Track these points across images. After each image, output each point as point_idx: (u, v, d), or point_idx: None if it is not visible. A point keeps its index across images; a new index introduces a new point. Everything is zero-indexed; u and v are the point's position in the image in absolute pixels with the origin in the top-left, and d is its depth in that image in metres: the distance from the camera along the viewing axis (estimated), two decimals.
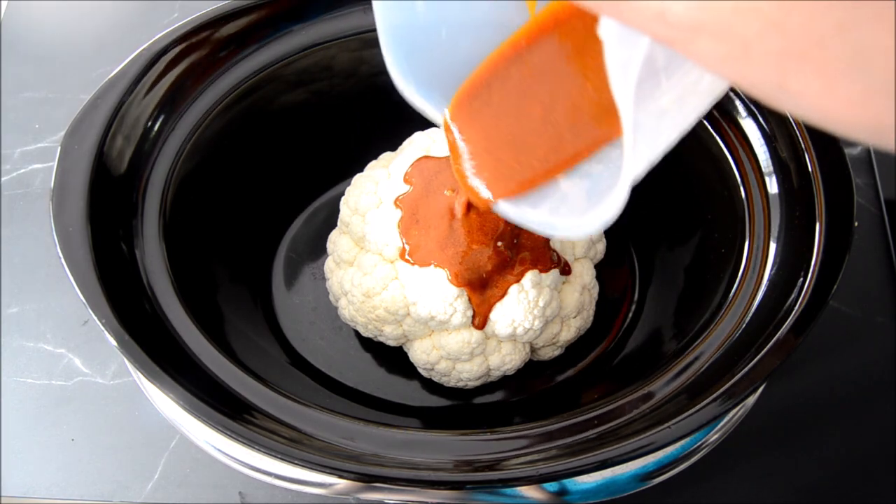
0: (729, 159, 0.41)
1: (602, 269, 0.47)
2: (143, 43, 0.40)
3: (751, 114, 0.40)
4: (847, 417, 0.46)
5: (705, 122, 0.42)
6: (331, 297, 0.46)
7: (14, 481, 0.45)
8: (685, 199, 0.46)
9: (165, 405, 0.38)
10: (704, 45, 0.17)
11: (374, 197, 0.42)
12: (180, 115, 0.42)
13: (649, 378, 0.36)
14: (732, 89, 0.40)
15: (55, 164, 0.37)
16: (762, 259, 0.38)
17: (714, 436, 0.38)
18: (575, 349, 0.46)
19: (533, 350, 0.44)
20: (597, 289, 0.46)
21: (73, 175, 0.36)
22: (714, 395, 0.32)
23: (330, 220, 0.49)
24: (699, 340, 0.37)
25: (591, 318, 0.46)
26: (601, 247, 0.46)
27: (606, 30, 0.20)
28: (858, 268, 0.51)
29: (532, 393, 0.45)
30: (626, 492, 0.37)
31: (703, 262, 0.44)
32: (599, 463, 0.31)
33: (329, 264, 0.46)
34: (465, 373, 0.42)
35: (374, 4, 0.27)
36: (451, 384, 0.44)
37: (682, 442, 0.34)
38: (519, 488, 0.35)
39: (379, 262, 0.41)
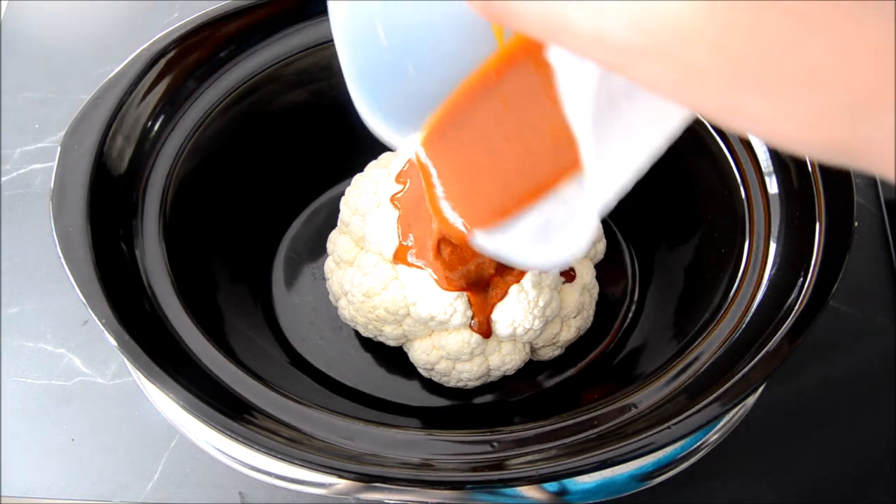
0: (729, 159, 0.41)
1: (602, 269, 0.47)
2: (143, 43, 0.40)
3: None
4: (847, 417, 0.46)
5: (705, 122, 0.42)
6: (331, 297, 0.46)
7: (14, 481, 0.45)
8: (685, 199, 0.46)
9: (165, 405, 0.38)
10: (649, 70, 0.17)
11: (373, 197, 0.42)
12: (180, 115, 0.42)
13: (649, 378, 0.36)
14: None
15: (55, 164, 0.37)
16: (762, 259, 0.38)
17: (714, 436, 0.38)
18: (575, 349, 0.46)
19: (533, 350, 0.44)
20: (597, 289, 0.46)
21: (73, 175, 0.36)
22: (714, 396, 0.32)
23: (330, 220, 0.49)
24: (699, 340, 0.37)
25: (591, 318, 0.46)
26: (601, 247, 0.46)
27: (556, 56, 0.19)
28: (858, 268, 0.51)
29: (532, 393, 0.45)
30: (627, 492, 0.37)
31: (703, 262, 0.44)
32: (599, 463, 0.31)
33: (329, 264, 0.46)
34: (465, 373, 0.42)
35: (337, 43, 0.26)
36: (451, 384, 0.44)
37: (682, 442, 0.34)
38: (519, 488, 0.35)
39: (379, 262, 0.41)
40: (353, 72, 0.27)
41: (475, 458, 0.32)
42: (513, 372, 0.43)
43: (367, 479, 0.31)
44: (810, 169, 0.37)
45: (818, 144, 0.17)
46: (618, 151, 0.22)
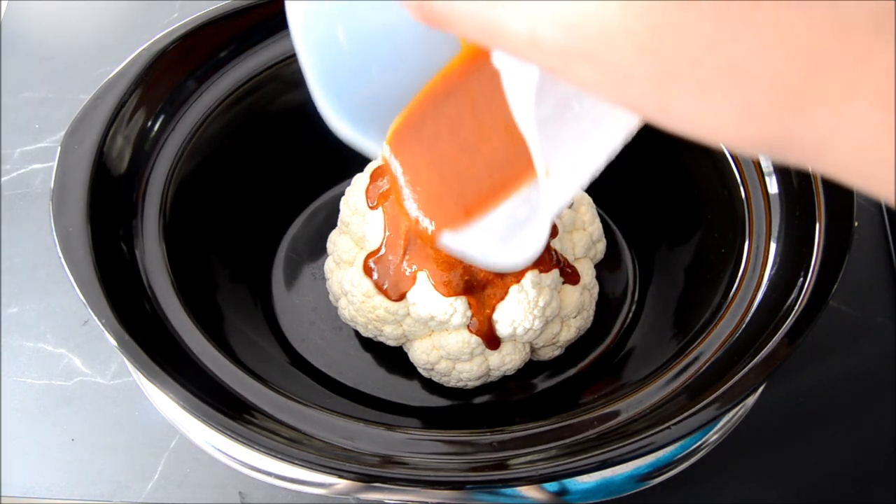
0: (729, 159, 0.41)
1: (602, 269, 0.47)
2: (143, 43, 0.40)
3: None
4: (847, 417, 0.46)
5: None
6: (331, 297, 0.46)
7: (14, 481, 0.45)
8: (685, 199, 0.46)
9: (165, 405, 0.38)
10: (583, 73, 0.17)
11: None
12: (180, 115, 0.42)
13: (649, 378, 0.36)
14: None
15: (55, 164, 0.37)
16: (762, 259, 0.38)
17: (714, 436, 0.38)
18: (575, 349, 0.46)
19: (533, 350, 0.44)
20: (597, 289, 0.46)
21: (73, 175, 0.37)
22: (714, 396, 0.32)
23: (330, 220, 0.49)
24: (699, 340, 0.37)
25: (591, 318, 0.46)
26: (601, 247, 0.46)
27: (499, 59, 0.19)
28: (858, 268, 0.51)
29: (532, 393, 0.45)
30: (626, 492, 0.37)
31: (703, 262, 0.44)
32: (599, 463, 0.31)
33: (329, 264, 0.46)
34: (465, 373, 0.42)
35: (297, 46, 0.26)
36: (451, 384, 0.44)
37: (682, 442, 0.34)
38: (519, 488, 0.35)
39: None
40: (316, 75, 0.27)
41: (475, 458, 0.32)
42: (513, 372, 0.43)
43: (367, 479, 0.31)
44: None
45: (751, 142, 0.17)
46: (572, 152, 0.21)
